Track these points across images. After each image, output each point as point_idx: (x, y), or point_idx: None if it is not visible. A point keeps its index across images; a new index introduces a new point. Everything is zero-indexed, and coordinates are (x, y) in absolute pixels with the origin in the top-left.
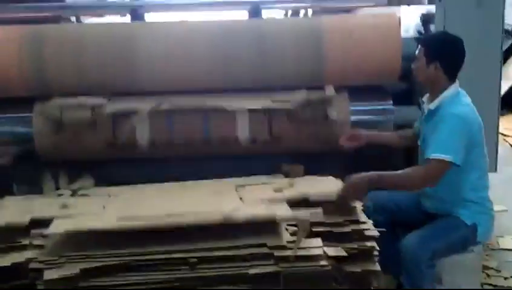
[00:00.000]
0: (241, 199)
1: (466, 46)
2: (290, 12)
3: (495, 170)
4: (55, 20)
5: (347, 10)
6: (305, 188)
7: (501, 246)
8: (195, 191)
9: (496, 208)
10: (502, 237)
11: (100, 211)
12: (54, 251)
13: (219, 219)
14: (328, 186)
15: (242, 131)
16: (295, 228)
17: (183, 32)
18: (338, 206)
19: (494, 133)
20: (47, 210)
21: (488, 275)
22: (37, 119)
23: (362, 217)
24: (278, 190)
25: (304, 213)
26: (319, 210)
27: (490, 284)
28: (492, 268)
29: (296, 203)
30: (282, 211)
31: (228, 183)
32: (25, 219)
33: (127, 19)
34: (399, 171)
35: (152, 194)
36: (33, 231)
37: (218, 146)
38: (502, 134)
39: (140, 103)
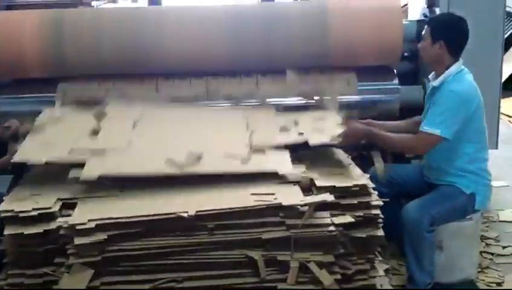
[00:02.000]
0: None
1: (470, 28)
2: None
3: (497, 146)
4: (74, 5)
5: None
6: (307, 130)
7: (501, 219)
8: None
9: (498, 183)
10: (502, 210)
11: (126, 147)
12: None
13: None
14: (328, 126)
15: None
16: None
17: (195, 16)
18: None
19: (495, 112)
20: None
21: (487, 244)
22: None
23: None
24: (284, 129)
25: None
26: (330, 196)
27: (489, 253)
28: (491, 238)
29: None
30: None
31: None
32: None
33: (144, 2)
34: (395, 135)
35: (172, 128)
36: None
37: None
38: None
39: None
